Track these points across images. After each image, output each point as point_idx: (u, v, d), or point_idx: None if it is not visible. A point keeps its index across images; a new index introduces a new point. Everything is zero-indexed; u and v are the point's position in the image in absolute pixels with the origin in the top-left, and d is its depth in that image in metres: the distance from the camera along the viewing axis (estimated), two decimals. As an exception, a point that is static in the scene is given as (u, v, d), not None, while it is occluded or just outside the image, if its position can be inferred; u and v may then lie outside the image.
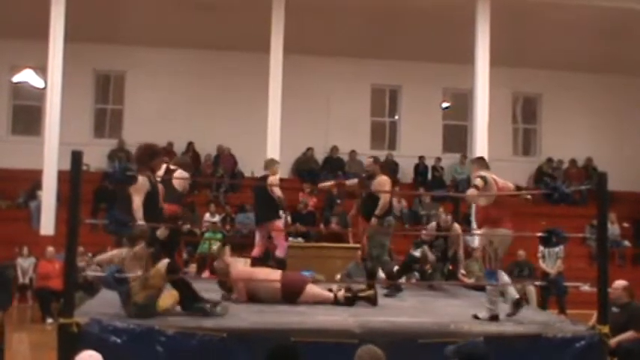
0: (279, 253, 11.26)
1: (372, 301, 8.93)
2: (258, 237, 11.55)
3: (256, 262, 11.07)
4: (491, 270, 8.16)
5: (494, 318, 8.04)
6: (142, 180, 7.82)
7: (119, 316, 7.18)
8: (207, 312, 7.48)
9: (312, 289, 8.93)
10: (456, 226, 11.78)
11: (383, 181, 10.13)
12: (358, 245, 12.40)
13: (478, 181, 8.21)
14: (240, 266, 9.55)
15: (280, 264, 11.02)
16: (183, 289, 7.58)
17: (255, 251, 11.41)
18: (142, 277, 7.32)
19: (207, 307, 7.49)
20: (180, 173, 9.57)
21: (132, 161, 8.67)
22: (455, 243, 11.76)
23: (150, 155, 8.10)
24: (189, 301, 7.56)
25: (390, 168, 21.26)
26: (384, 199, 9.95)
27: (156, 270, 7.42)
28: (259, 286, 8.78)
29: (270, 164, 11.71)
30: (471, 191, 8.15)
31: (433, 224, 12.41)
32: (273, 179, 11.22)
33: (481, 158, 9.19)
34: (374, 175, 10.31)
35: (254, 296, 8.77)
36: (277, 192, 11.13)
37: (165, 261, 7.53)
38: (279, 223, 11.29)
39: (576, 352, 7.27)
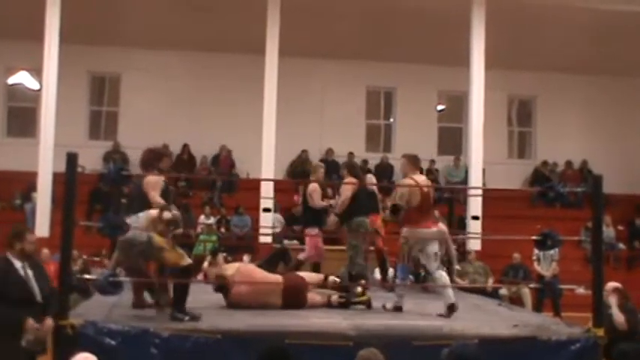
0: (302, 255, 11.26)
1: (368, 305, 8.92)
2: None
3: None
4: (402, 265, 8.78)
5: (397, 309, 8.59)
6: (157, 177, 7.89)
7: (114, 318, 7.17)
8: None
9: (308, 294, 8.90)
10: (440, 225, 11.74)
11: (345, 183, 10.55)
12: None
13: (399, 195, 8.79)
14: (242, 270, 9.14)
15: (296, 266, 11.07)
16: (177, 293, 7.57)
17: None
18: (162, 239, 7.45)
19: (185, 319, 7.40)
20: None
21: (138, 165, 8.66)
22: (442, 242, 11.67)
23: (156, 157, 8.18)
24: (175, 307, 7.54)
25: (384, 171, 21.29)
26: (342, 198, 10.34)
27: (179, 254, 7.52)
28: (260, 294, 8.66)
29: (314, 171, 11.58)
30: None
31: None
32: (313, 187, 10.97)
33: (416, 157, 9.45)
34: (344, 178, 10.79)
35: (253, 302, 8.61)
36: (315, 200, 10.89)
37: (188, 260, 7.60)
38: (311, 231, 11.16)
39: (571, 354, 7.29)
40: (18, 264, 6.45)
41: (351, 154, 21.55)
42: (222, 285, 8.64)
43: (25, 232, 6.71)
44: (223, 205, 19.64)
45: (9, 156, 19.66)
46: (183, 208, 16.74)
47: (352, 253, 10.25)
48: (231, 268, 8.88)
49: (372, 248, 11.65)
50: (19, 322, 6.28)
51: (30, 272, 6.58)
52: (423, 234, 8.72)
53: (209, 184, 20.66)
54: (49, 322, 6.56)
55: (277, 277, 8.92)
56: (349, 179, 10.61)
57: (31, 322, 6.35)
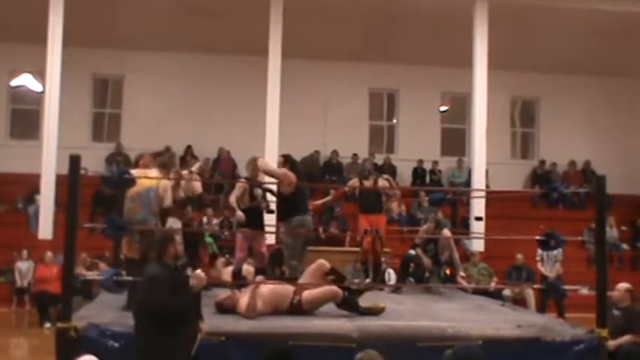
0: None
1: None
2: None
3: None
4: None
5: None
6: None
7: (117, 321, 7.17)
8: None
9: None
10: (445, 230, 11.75)
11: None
12: (357, 249, 12.39)
13: None
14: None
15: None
16: None
17: None
18: None
19: None
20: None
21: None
22: (446, 247, 11.65)
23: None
24: None
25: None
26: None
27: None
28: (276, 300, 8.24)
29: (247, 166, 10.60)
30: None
31: (424, 227, 12.33)
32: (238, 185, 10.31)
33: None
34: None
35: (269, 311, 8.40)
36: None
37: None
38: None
39: (575, 355, 7.28)
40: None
41: (355, 155, 21.61)
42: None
43: (174, 235, 6.51)
44: (226, 207, 19.60)
45: (12, 158, 19.70)
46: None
47: (287, 254, 9.87)
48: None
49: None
50: (195, 332, 6.19)
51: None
52: None
53: (212, 185, 20.62)
54: (203, 327, 6.42)
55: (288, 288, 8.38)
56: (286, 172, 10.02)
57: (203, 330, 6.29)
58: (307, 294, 8.04)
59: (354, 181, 12.02)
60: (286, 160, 10.29)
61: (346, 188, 12.09)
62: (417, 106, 22.60)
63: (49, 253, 15.74)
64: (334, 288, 8.15)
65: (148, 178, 8.29)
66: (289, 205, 9.89)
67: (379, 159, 21.83)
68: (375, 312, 8.18)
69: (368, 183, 11.58)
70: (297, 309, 7.95)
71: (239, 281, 9.23)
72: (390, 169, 21.41)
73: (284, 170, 10.04)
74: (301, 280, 8.50)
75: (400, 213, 20.07)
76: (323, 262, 8.52)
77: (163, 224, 8.36)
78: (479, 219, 17.27)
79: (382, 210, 11.71)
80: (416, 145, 22.35)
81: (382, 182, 11.76)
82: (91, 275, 14.22)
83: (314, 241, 12.64)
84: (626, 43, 20.02)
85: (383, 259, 11.97)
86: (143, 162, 9.21)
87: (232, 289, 8.75)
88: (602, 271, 7.66)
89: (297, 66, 19.65)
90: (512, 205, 20.13)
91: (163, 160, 9.22)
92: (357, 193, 11.82)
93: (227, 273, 10.43)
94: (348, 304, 8.13)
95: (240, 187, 9.99)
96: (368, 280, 11.36)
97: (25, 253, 16.78)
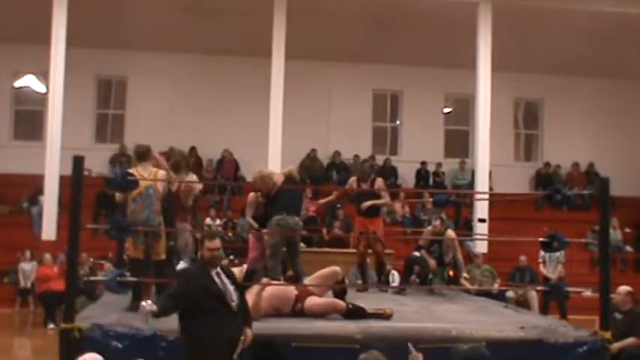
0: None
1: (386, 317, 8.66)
2: None
3: None
4: None
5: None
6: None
7: (121, 322, 7.17)
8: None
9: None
10: (450, 231, 11.73)
11: None
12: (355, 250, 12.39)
13: None
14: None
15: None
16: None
17: None
18: None
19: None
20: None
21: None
22: (450, 248, 11.63)
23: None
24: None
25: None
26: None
27: (164, 247, 8.16)
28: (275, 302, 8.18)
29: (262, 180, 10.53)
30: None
31: (429, 228, 12.32)
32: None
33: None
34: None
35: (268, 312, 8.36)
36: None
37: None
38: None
39: (578, 357, 7.28)
40: (212, 271, 6.28)
41: (356, 156, 21.60)
42: None
43: (204, 238, 6.50)
44: (230, 207, 19.63)
45: (16, 159, 19.71)
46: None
47: (268, 253, 9.74)
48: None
49: (370, 251, 11.62)
50: (233, 336, 6.18)
51: (226, 280, 6.36)
52: None
53: (216, 186, 20.64)
54: (249, 332, 6.36)
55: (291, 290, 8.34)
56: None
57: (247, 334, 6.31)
58: (310, 303, 8.00)
59: (352, 181, 11.94)
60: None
61: (346, 187, 12.05)
62: (421, 108, 22.58)
63: (47, 255, 15.78)
64: (339, 303, 8.13)
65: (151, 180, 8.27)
66: (270, 206, 9.94)
67: (380, 160, 21.82)
68: (382, 317, 8.14)
69: (366, 185, 11.54)
70: (298, 314, 7.93)
71: (250, 282, 9.15)
72: (390, 171, 21.44)
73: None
74: (310, 281, 8.49)
75: (404, 215, 20.07)
76: (337, 271, 8.51)
77: (169, 223, 8.36)
78: (482, 221, 17.26)
79: (379, 213, 11.67)
80: (419, 146, 22.33)
81: (379, 184, 11.68)
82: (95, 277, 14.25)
83: (309, 242, 12.55)
84: (629, 44, 20.01)
85: (387, 261, 11.97)
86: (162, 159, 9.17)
87: None
88: (605, 273, 7.65)
89: (301, 67, 19.68)
90: (516, 206, 20.13)
91: (176, 160, 9.34)
92: (355, 195, 11.80)
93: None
94: (354, 314, 8.08)
95: (251, 204, 10.38)
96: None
97: (28, 253, 16.81)
